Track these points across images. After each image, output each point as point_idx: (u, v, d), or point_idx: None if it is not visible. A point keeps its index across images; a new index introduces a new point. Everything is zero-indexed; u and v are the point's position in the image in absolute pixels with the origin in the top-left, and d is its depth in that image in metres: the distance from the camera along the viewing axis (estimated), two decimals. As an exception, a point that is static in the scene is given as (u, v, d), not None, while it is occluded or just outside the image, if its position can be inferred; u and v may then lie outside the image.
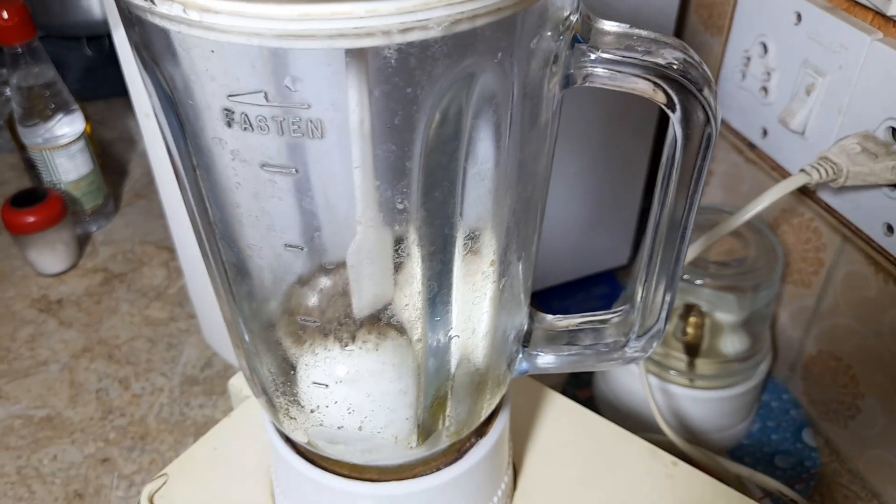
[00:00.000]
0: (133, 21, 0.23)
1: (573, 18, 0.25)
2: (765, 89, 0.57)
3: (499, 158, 0.25)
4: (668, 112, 0.26)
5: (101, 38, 1.05)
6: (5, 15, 0.75)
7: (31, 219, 0.78)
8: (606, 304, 0.77)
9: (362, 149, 0.23)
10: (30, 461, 0.65)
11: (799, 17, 0.52)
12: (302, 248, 0.26)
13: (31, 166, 0.84)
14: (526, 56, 0.23)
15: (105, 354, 0.74)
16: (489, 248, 0.27)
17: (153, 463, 0.65)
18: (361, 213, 0.25)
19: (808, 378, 0.66)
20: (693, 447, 0.56)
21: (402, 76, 0.21)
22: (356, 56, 0.21)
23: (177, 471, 0.46)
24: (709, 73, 0.26)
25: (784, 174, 0.58)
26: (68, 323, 0.78)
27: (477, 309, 0.29)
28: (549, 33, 0.24)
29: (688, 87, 0.25)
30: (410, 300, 0.27)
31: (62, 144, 0.81)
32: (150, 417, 0.68)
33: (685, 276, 0.58)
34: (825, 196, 0.55)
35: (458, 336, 0.30)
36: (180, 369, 0.73)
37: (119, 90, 0.56)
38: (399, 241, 0.26)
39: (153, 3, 0.21)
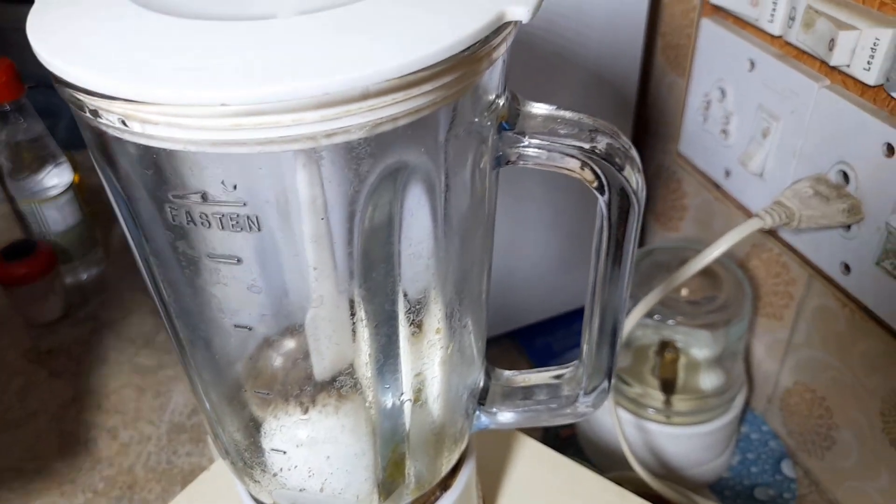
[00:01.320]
0: (84, 125, 0.24)
1: (500, 102, 0.26)
2: (725, 132, 0.58)
3: (434, 237, 0.26)
4: (595, 192, 0.28)
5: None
6: (-8, 74, 0.77)
7: (22, 270, 0.79)
8: (587, 339, 0.78)
9: (297, 238, 0.24)
10: (20, 514, 0.66)
11: (752, 63, 0.54)
12: (250, 329, 0.27)
13: (20, 218, 0.86)
14: (452, 145, 0.25)
15: (94, 404, 0.76)
16: (433, 318, 0.29)
17: (141, 512, 0.66)
18: (308, 294, 0.26)
19: (785, 410, 0.67)
20: (667, 485, 0.57)
21: (331, 173, 0.23)
22: (287, 158, 0.22)
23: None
24: (634, 154, 0.27)
25: (747, 213, 0.59)
26: (58, 373, 0.79)
27: (427, 373, 0.30)
28: (476, 120, 0.25)
29: (610, 169, 0.27)
30: (359, 369, 0.28)
31: (51, 197, 0.83)
32: (138, 466, 0.69)
33: (659, 315, 0.59)
34: (786, 236, 0.57)
35: (409, 399, 0.31)
36: (168, 417, 0.74)
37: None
38: (345, 315, 0.27)
39: (98, 115, 0.22)
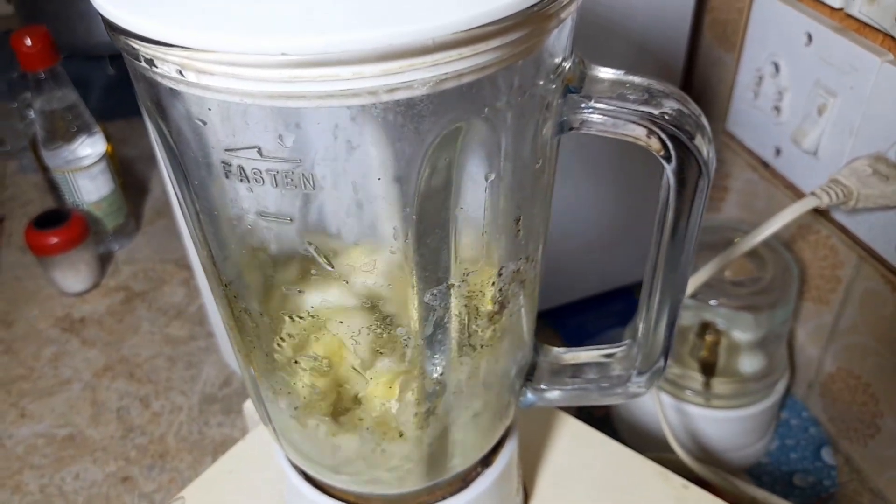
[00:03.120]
0: (138, 76, 0.24)
1: (566, 66, 0.25)
2: (777, 108, 0.56)
3: (491, 205, 0.25)
4: (662, 161, 0.26)
5: (122, 57, 1.06)
6: (29, 42, 0.77)
7: (55, 240, 0.80)
8: (623, 320, 0.77)
9: (353, 199, 0.23)
10: (52, 480, 0.66)
11: (810, 37, 0.52)
12: (300, 291, 0.26)
13: (53, 187, 0.86)
14: (515, 108, 0.23)
15: (126, 373, 0.76)
16: (486, 289, 0.28)
17: (172, 482, 0.65)
18: (354, 258, 0.25)
19: (826, 396, 0.65)
20: (706, 467, 0.56)
21: (390, 132, 0.22)
22: (347, 114, 0.21)
23: (194, 493, 0.47)
24: (705, 122, 0.26)
25: (797, 193, 0.57)
26: (90, 342, 0.79)
27: (477, 346, 0.29)
28: (541, 82, 0.24)
29: (680, 137, 0.25)
30: (408, 339, 0.28)
31: (84, 166, 0.83)
32: (170, 436, 0.69)
33: (701, 296, 0.58)
34: (838, 216, 0.55)
35: (459, 371, 0.30)
36: (199, 388, 0.74)
37: (140, 109, 0.57)
38: (394, 283, 0.26)
39: (153, 64, 0.21)
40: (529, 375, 0.35)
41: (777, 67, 0.55)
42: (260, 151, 0.22)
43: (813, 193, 0.47)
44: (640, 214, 0.73)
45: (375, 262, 0.25)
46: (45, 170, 0.86)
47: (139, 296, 0.85)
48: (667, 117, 0.25)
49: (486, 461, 0.38)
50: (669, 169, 0.26)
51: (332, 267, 0.25)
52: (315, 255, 0.25)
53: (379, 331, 0.27)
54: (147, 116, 0.25)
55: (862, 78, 0.48)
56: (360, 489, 0.35)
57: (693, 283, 0.52)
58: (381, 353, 0.28)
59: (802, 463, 0.65)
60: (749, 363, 0.62)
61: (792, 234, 0.63)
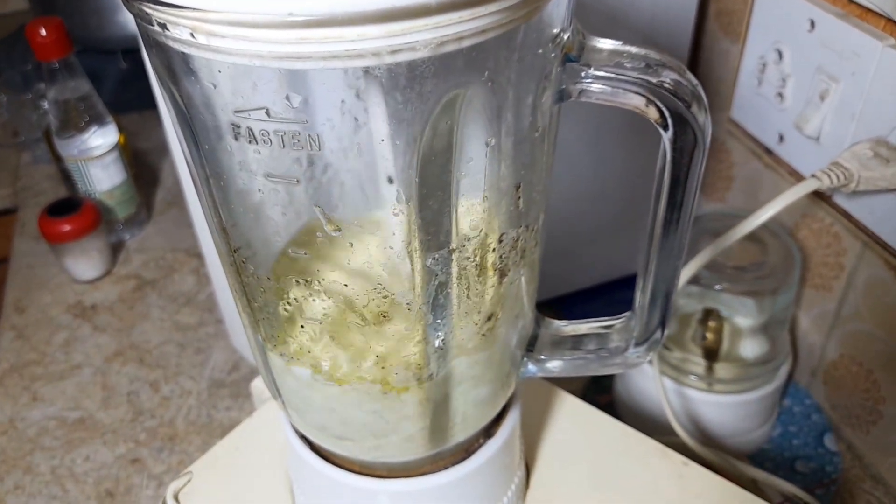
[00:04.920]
0: (151, 42, 0.24)
1: (565, 36, 0.26)
2: (781, 95, 0.57)
3: (492, 170, 0.26)
4: (660, 129, 0.27)
5: (135, 51, 1.08)
6: (43, 32, 0.78)
7: (67, 227, 0.81)
8: (628, 308, 0.77)
9: (357, 161, 0.24)
10: (63, 461, 0.67)
11: (812, 24, 0.52)
12: (306, 254, 0.27)
13: (66, 176, 0.87)
14: (515, 73, 0.24)
15: (136, 358, 0.77)
16: (487, 255, 0.28)
17: (181, 463, 0.67)
18: (359, 220, 0.26)
19: (829, 383, 0.66)
20: (707, 449, 0.56)
21: (393, 94, 0.22)
22: (350, 75, 0.22)
23: (201, 469, 0.48)
24: (701, 92, 0.26)
25: (800, 179, 0.58)
26: (101, 328, 0.80)
27: (478, 313, 0.30)
28: (540, 51, 0.25)
29: (677, 105, 0.26)
30: (410, 303, 0.28)
31: (96, 155, 0.84)
32: (179, 419, 0.70)
33: (703, 281, 0.58)
34: (840, 201, 0.55)
35: (460, 337, 0.31)
36: (208, 373, 0.75)
37: (153, 102, 0.58)
38: (395, 247, 0.27)
39: (166, 28, 0.22)
40: (530, 346, 0.36)
41: (780, 54, 0.56)
42: (268, 112, 0.23)
43: (813, 176, 0.47)
44: (646, 203, 0.74)
45: (379, 224, 0.26)
46: (58, 159, 0.87)
47: (150, 283, 0.86)
48: (665, 86, 0.26)
49: (489, 432, 0.38)
50: (666, 137, 0.27)
51: (338, 230, 0.26)
52: (321, 217, 0.25)
53: (382, 295, 0.28)
54: (159, 84, 0.26)
55: (864, 63, 0.48)
56: (364, 457, 0.36)
57: (694, 265, 0.53)
58: (384, 317, 0.29)
59: (804, 449, 0.65)
60: (751, 348, 0.62)
61: (795, 221, 0.63)
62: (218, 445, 0.49)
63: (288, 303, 0.29)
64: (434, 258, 0.27)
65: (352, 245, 0.26)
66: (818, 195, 0.57)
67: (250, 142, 0.24)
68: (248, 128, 0.24)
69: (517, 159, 0.27)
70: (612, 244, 0.75)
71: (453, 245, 0.27)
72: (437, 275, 0.28)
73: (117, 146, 0.86)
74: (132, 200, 0.91)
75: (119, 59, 1.10)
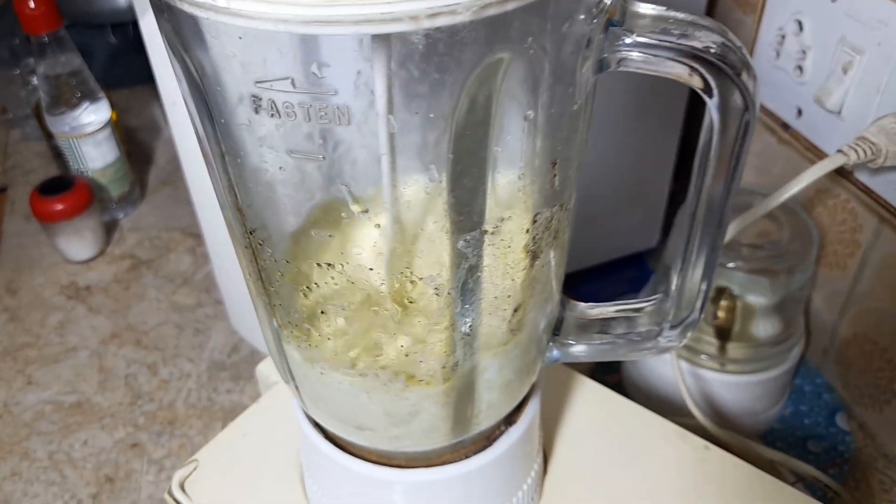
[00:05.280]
0: (162, 7, 0.22)
1: (607, 1, 0.24)
2: (800, 68, 0.55)
3: (529, 145, 0.24)
4: (705, 97, 0.25)
5: (125, 25, 1.05)
6: (32, 4, 0.75)
7: (59, 206, 0.79)
8: (635, 287, 0.76)
9: (389, 136, 0.22)
10: (61, 446, 0.66)
11: (835, -8, 0.50)
12: (330, 236, 0.25)
13: (58, 154, 0.85)
14: (557, 40, 0.22)
15: (133, 340, 0.75)
16: (519, 235, 0.27)
17: (182, 448, 0.65)
18: (387, 199, 0.24)
19: (842, 362, 0.65)
20: (725, 431, 0.55)
21: (429, 62, 0.21)
22: (383, 41, 0.20)
23: (207, 457, 0.46)
24: (748, 57, 0.25)
25: (819, 154, 0.56)
26: (97, 309, 0.79)
27: (508, 297, 0.29)
28: (583, 17, 0.23)
29: (726, 71, 0.24)
30: (439, 288, 0.27)
31: (88, 132, 0.82)
32: (179, 403, 0.69)
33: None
34: (862, 177, 0.54)
35: (488, 323, 0.29)
36: (207, 355, 0.73)
37: (144, 77, 0.56)
38: (426, 228, 0.25)
39: (179, -10, 0.20)
40: (556, 330, 0.34)
41: (800, 25, 0.54)
42: (293, 83, 0.21)
43: (840, 151, 0.46)
44: (651, 181, 0.72)
45: (409, 204, 0.24)
46: (49, 137, 0.85)
47: (145, 263, 0.84)
48: (712, 51, 0.24)
49: (510, 419, 0.37)
50: (714, 108, 0.25)
51: (365, 211, 0.24)
52: (347, 196, 0.24)
53: (409, 279, 0.26)
54: (170, 54, 0.24)
55: (891, 33, 0.47)
56: (383, 447, 0.35)
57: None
58: (410, 302, 0.27)
59: (816, 429, 0.64)
60: (764, 328, 0.61)
61: (810, 197, 0.62)
62: (224, 432, 0.47)
63: (308, 287, 0.27)
64: (465, 240, 0.26)
65: (379, 226, 0.25)
66: (838, 171, 0.55)
67: (272, 115, 0.22)
68: (270, 100, 0.22)
69: (555, 134, 0.25)
70: (616, 222, 0.74)
71: (486, 226, 0.25)
72: (467, 257, 0.26)
73: (110, 123, 0.84)
74: (125, 178, 0.88)
75: (108, 34, 1.07)
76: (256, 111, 0.22)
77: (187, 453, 0.64)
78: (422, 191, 0.24)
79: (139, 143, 1.01)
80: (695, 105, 0.69)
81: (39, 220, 0.80)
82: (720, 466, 0.44)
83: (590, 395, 0.48)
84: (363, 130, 0.22)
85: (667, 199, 0.74)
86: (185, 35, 0.22)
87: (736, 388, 0.61)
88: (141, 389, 0.70)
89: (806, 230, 0.57)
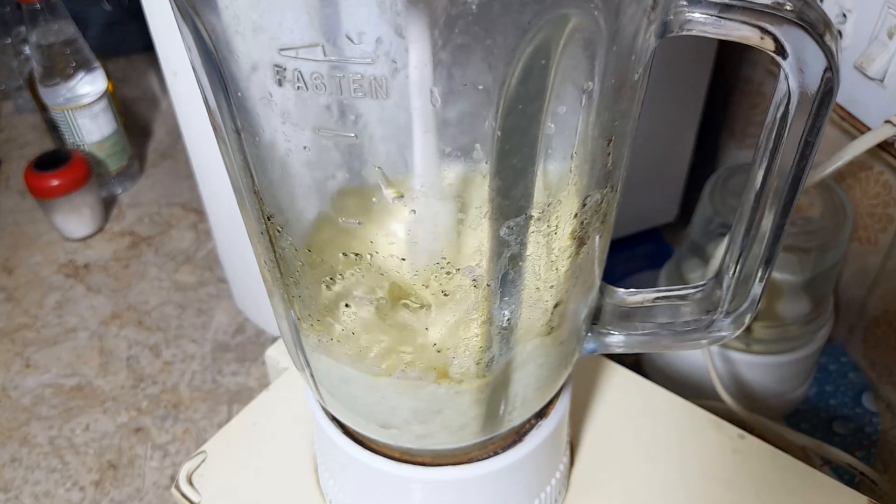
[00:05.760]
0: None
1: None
2: (839, 33, 0.52)
3: (584, 119, 0.22)
4: (781, 61, 0.23)
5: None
6: (21, -32, 0.72)
7: (56, 182, 0.76)
8: (652, 263, 0.73)
9: (430, 111, 0.20)
10: (62, 431, 0.63)
11: (879, -48, 0.47)
12: (359, 223, 0.23)
13: (53, 127, 0.82)
14: (626, 0, 0.20)
15: (134, 321, 0.72)
16: (567, 220, 0.24)
17: (187, 432, 0.63)
18: (426, 182, 0.21)
19: (869, 340, 0.62)
20: (755, 416, 0.53)
21: (482, 24, 0.18)
22: (426, 2, 0.17)
23: (215, 448, 0.44)
24: (829, 18, 0.22)
25: (857, 125, 0.53)
26: (96, 288, 0.76)
27: (551, 287, 0.26)
28: (649, -30, 0.20)
29: (808, 31, 0.22)
30: (477, 279, 0.24)
31: (84, 104, 0.79)
32: (183, 385, 0.67)
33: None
34: (901, 150, 0.51)
35: (529, 315, 0.27)
36: (211, 335, 0.71)
37: (141, 46, 0.53)
38: (467, 214, 0.22)
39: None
40: (595, 319, 0.32)
41: (839, -13, 0.51)
42: (324, 50, 0.18)
43: (889, 122, 0.43)
44: (671, 153, 0.69)
45: (450, 188, 0.21)
46: (43, 109, 0.82)
47: (145, 240, 0.81)
48: (788, 9, 0.21)
49: (541, 413, 0.35)
50: (790, 70, 0.22)
51: (401, 196, 0.21)
52: (380, 180, 0.21)
53: (445, 270, 0.24)
54: (178, 16, 0.21)
55: (941, -5, 0.44)
56: (408, 444, 0.32)
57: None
58: (445, 294, 0.24)
59: (842, 409, 0.62)
60: (792, 308, 0.59)
61: (840, 171, 0.59)
62: (234, 421, 0.45)
63: (331, 279, 0.25)
64: (509, 226, 0.23)
65: (414, 212, 0.22)
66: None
67: (298, 88, 0.19)
68: (295, 70, 0.19)
69: (613, 108, 0.22)
70: (633, 196, 0.71)
71: (532, 211, 0.23)
72: (509, 245, 0.24)
73: (106, 94, 0.81)
74: (123, 152, 0.85)
75: (103, 2, 1.03)
76: (280, 83, 0.19)
77: (192, 438, 0.62)
78: (464, 173, 0.21)
79: (137, 114, 0.98)
80: (721, 74, 0.65)
81: (35, 196, 0.77)
82: (756, 457, 0.42)
83: (617, 381, 0.45)
84: (402, 105, 0.19)
85: (686, 172, 0.71)
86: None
87: (761, 368, 0.59)
88: (143, 372, 0.68)
89: (840, 206, 0.55)
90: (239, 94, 0.21)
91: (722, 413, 0.54)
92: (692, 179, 0.72)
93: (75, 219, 0.79)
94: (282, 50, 0.19)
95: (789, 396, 0.62)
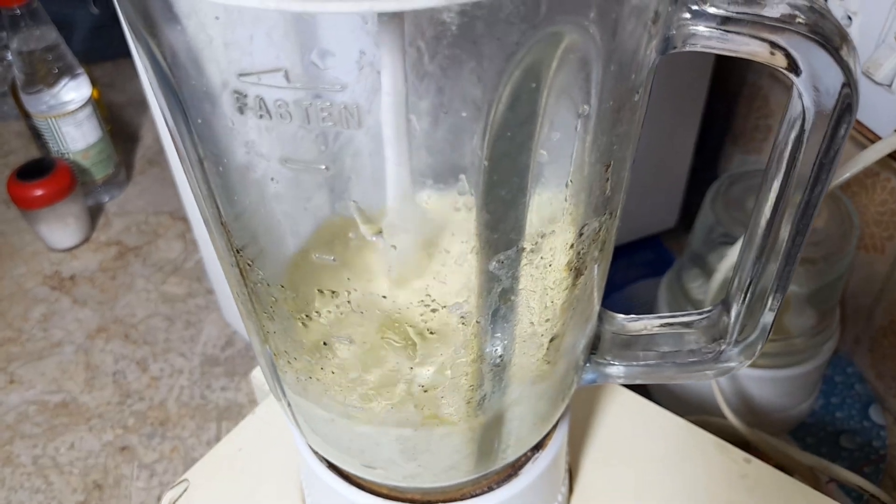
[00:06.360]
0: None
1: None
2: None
3: (582, 145, 0.20)
4: (793, 78, 0.21)
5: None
6: (0, -27, 0.70)
7: (39, 192, 0.74)
8: (652, 271, 0.72)
9: (408, 140, 0.18)
10: (46, 450, 0.61)
11: (887, -49, 0.45)
12: (334, 259, 0.21)
13: (37, 135, 0.80)
14: (625, 14, 0.18)
15: (121, 334, 0.71)
16: (562, 252, 0.22)
17: (175, 451, 0.61)
18: (405, 216, 0.20)
19: (876, 350, 0.61)
20: (760, 434, 0.51)
21: (464, 46, 0.16)
22: (402, 21, 0.15)
23: (198, 475, 0.42)
24: (846, 31, 0.20)
25: (865, 132, 0.52)
26: (82, 301, 0.74)
27: (546, 321, 0.24)
28: (650, -17, 0.18)
29: (823, 45, 0.20)
30: (466, 316, 0.22)
31: (68, 111, 0.77)
32: (170, 401, 0.65)
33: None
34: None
35: (523, 351, 0.25)
36: (200, 349, 0.69)
37: (127, 50, 0.51)
38: (453, 249, 0.20)
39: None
40: (593, 349, 0.30)
41: (844, -11, 0.49)
42: (287, 76, 0.16)
43: (900, 131, 0.41)
44: (671, 159, 0.68)
45: (433, 222, 0.19)
46: (26, 116, 0.80)
47: (132, 250, 0.79)
48: (801, 22, 0.20)
49: (538, 444, 0.33)
50: (807, 96, 0.20)
51: (379, 232, 0.19)
52: (356, 214, 0.19)
53: (430, 308, 0.22)
54: (133, 38, 0.19)
55: (953, -3, 0.42)
56: (395, 483, 0.30)
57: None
58: (431, 333, 0.22)
59: (849, 423, 0.61)
60: (797, 320, 0.57)
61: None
62: (218, 446, 0.43)
63: (307, 316, 0.23)
64: (499, 261, 0.21)
65: (395, 248, 0.20)
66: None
67: (261, 116, 0.17)
68: (257, 97, 0.17)
69: (612, 131, 0.20)
70: (632, 202, 0.69)
71: (524, 244, 0.21)
72: (500, 280, 0.22)
73: (91, 100, 0.79)
74: (109, 160, 0.83)
75: (89, 4, 1.01)
76: (241, 111, 0.18)
77: (180, 457, 0.60)
78: (449, 206, 0.19)
79: (124, 120, 0.96)
80: (721, 79, 0.64)
81: (19, 206, 0.75)
82: (765, 483, 0.40)
83: (618, 401, 0.43)
84: (376, 134, 0.17)
85: (686, 178, 0.69)
86: (149, 16, 0.18)
87: (766, 383, 0.57)
88: (130, 387, 0.66)
89: (846, 215, 0.53)
90: (199, 120, 0.19)
91: (726, 430, 0.52)
92: (693, 184, 0.70)
93: (60, 229, 0.77)
94: (241, 75, 0.17)
95: (795, 410, 0.60)
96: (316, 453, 0.33)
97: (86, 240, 0.80)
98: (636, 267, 0.74)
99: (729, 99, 0.68)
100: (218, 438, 0.61)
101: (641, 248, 0.75)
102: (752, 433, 0.51)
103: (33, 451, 0.62)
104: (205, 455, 0.43)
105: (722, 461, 0.41)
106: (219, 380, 0.66)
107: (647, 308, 0.63)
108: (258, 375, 0.48)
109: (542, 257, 0.22)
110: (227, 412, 0.64)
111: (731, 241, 0.52)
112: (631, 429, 0.42)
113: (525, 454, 0.32)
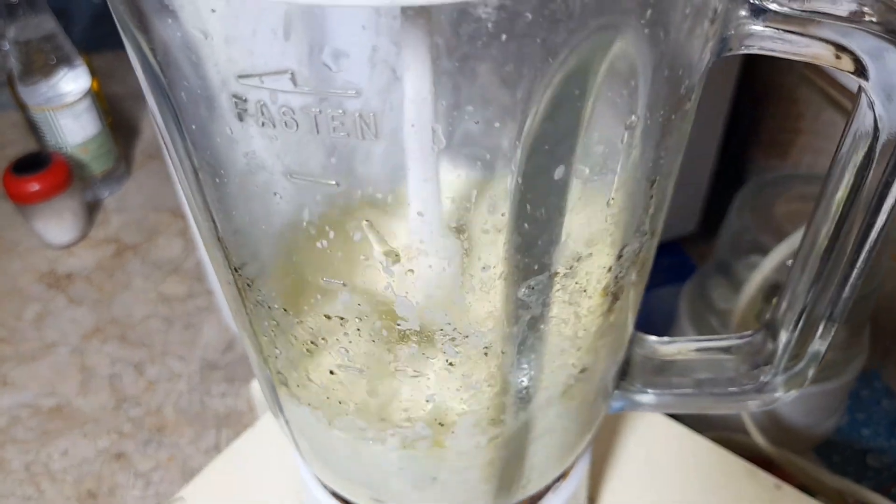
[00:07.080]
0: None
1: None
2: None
3: (626, 160, 0.17)
4: (863, 84, 0.18)
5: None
6: (-4, -41, 0.67)
7: (35, 186, 0.71)
8: (672, 277, 0.69)
9: (432, 154, 0.15)
10: (38, 456, 0.59)
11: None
12: (343, 284, 0.18)
13: (33, 128, 0.77)
14: (684, 13, 0.15)
15: (118, 335, 0.68)
16: (599, 276, 0.20)
17: (172, 459, 0.59)
18: (426, 239, 0.17)
19: (903, 365, 0.58)
20: (787, 455, 0.49)
21: (500, 46, 0.14)
22: (429, 17, 0.13)
23: (195, 493, 0.40)
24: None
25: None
26: (78, 300, 0.72)
27: (578, 350, 0.22)
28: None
29: (889, 49, 0.17)
30: (489, 347, 0.20)
31: (66, 103, 0.74)
32: (168, 407, 0.62)
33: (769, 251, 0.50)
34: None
35: (550, 382, 0.22)
36: (199, 352, 0.66)
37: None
38: (478, 274, 0.18)
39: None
40: (623, 374, 0.27)
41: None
42: (293, 78, 0.14)
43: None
44: (692, 161, 0.65)
45: (456, 246, 0.17)
46: (23, 108, 0.77)
47: (131, 248, 0.77)
48: (869, 20, 0.17)
49: (560, 475, 0.30)
50: (880, 104, 0.18)
51: (397, 258, 0.17)
52: (371, 237, 0.17)
53: (450, 337, 0.19)
54: (123, 35, 0.17)
55: None
56: (405, 515, 0.28)
57: (788, 246, 0.44)
58: (452, 364, 0.20)
59: (876, 440, 0.58)
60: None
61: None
62: (215, 462, 0.41)
63: (313, 342, 0.20)
64: (529, 286, 0.19)
65: (412, 272, 0.18)
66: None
67: (263, 124, 0.15)
68: (259, 102, 0.15)
69: (660, 144, 0.18)
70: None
71: (558, 268, 0.19)
72: (529, 308, 0.19)
73: (90, 92, 0.76)
74: (109, 154, 0.81)
75: (90, -7, 0.98)
76: (240, 117, 0.15)
77: (177, 466, 0.58)
78: (476, 227, 0.17)
79: (124, 112, 0.93)
80: (747, 74, 0.61)
81: (14, 201, 0.73)
82: (794, 510, 0.38)
83: (643, 423, 0.41)
84: (395, 147, 0.15)
85: (708, 181, 0.67)
86: (139, 9, 0.15)
87: (793, 400, 0.55)
88: (126, 392, 0.64)
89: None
90: (193, 126, 0.17)
91: (751, 448, 0.50)
92: (715, 188, 0.68)
93: (56, 225, 0.75)
94: (240, 77, 0.14)
95: (821, 428, 0.58)
96: (318, 479, 0.31)
97: (83, 236, 0.78)
98: (655, 273, 0.71)
99: (755, 101, 0.65)
100: (217, 447, 0.59)
101: (660, 254, 0.71)
102: (780, 454, 0.48)
103: (25, 458, 0.59)
104: (202, 468, 0.41)
105: (751, 488, 0.39)
106: (218, 385, 0.64)
107: (668, 317, 0.60)
108: (258, 387, 0.45)
109: (576, 282, 0.19)
110: (227, 420, 0.61)
111: (759, 250, 0.50)
112: (655, 453, 0.40)
113: (546, 485, 0.30)
